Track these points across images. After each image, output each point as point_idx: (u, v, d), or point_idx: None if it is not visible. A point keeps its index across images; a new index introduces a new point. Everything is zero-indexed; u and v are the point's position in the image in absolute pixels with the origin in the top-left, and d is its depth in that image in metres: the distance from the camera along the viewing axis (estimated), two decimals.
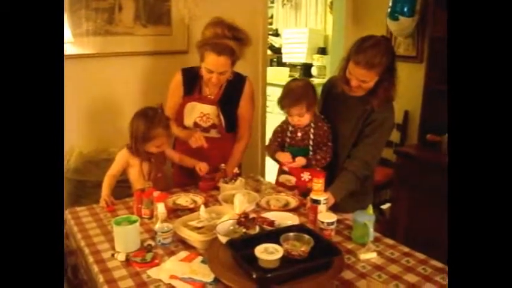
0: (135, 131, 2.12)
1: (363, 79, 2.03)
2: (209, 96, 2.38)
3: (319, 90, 2.37)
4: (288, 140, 2.31)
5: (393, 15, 3.53)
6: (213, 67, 2.21)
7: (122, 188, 2.24)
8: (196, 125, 2.39)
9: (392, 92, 2.10)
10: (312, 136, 2.24)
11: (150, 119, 2.11)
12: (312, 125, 2.25)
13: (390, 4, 3.55)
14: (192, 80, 2.39)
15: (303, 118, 2.21)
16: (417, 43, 3.69)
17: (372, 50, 1.98)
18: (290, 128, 2.30)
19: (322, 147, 2.25)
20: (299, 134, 2.27)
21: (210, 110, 2.37)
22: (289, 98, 2.20)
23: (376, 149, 2.19)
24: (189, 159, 2.35)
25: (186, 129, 2.41)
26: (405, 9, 3.46)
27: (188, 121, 2.40)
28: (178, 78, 2.42)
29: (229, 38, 2.18)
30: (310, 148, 2.26)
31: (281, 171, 2.39)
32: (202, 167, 2.29)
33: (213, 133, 2.42)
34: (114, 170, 2.20)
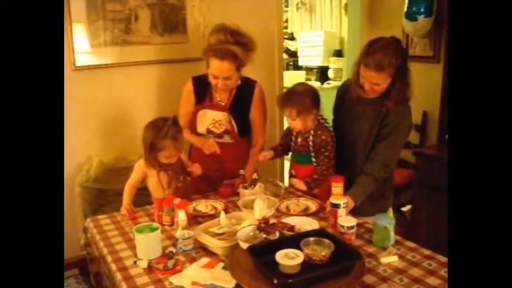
0: (144, 141, 2.14)
1: (374, 82, 2.02)
2: (220, 103, 2.40)
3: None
4: (292, 144, 2.34)
5: (411, 16, 3.49)
6: (217, 72, 2.24)
7: (142, 195, 2.27)
8: (209, 131, 2.41)
9: (407, 93, 2.08)
10: (311, 143, 2.25)
11: (158, 129, 2.10)
12: (312, 132, 2.25)
13: (406, 5, 3.52)
14: (202, 88, 2.42)
15: (294, 122, 2.22)
16: (434, 43, 3.66)
17: (380, 52, 1.97)
18: (294, 132, 2.32)
19: (323, 158, 2.25)
20: (299, 140, 2.29)
21: (221, 116, 2.39)
22: (283, 97, 2.25)
23: (394, 151, 2.17)
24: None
25: (200, 136, 2.43)
26: (422, 9, 3.43)
27: (201, 128, 2.42)
28: (189, 86, 2.45)
29: (231, 43, 2.20)
30: (312, 155, 2.27)
31: (290, 174, 2.44)
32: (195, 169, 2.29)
33: (227, 139, 2.44)
34: (133, 179, 2.22)
